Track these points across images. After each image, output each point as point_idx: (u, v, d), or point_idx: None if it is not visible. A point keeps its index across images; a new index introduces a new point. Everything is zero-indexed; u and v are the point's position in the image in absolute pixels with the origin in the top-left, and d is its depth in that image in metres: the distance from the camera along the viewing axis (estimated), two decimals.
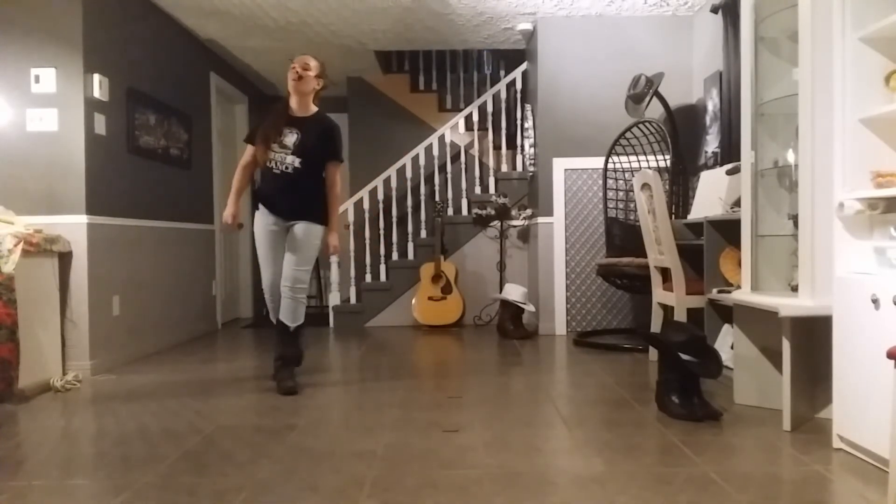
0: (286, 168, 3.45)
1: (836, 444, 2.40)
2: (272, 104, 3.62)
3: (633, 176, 4.66)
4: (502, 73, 6.94)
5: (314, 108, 3.60)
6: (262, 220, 3.53)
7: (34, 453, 2.49)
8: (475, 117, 6.12)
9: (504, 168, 6.39)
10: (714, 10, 4.59)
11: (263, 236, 3.53)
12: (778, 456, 2.34)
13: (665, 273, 3.96)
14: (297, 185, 3.47)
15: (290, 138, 3.46)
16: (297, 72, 3.48)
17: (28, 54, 3.85)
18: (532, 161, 5.59)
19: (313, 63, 3.53)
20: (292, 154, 3.45)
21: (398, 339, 5.29)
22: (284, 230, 3.53)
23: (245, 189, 3.68)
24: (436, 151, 6.26)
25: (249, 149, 3.60)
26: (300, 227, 3.49)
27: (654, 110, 4.97)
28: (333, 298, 6.08)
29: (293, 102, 3.54)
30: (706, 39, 5.01)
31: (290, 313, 3.50)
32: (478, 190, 6.15)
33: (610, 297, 5.36)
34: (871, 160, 2.32)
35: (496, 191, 6.08)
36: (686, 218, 4.51)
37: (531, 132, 5.59)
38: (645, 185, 3.82)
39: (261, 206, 3.55)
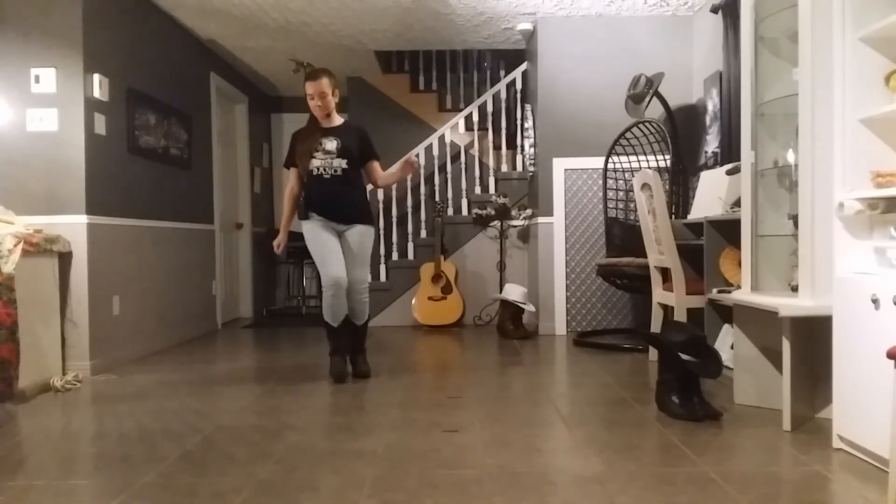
0: (336, 171, 3.63)
1: (836, 444, 2.40)
2: (304, 124, 3.82)
3: (633, 176, 4.66)
4: (502, 73, 6.94)
5: (341, 118, 3.80)
6: (315, 225, 3.66)
7: (34, 453, 2.49)
8: (475, 117, 6.12)
9: (504, 168, 6.39)
10: (714, 10, 4.59)
11: (319, 238, 3.64)
12: (778, 456, 2.34)
13: (665, 273, 3.96)
14: (347, 186, 3.66)
15: (332, 144, 3.65)
16: (318, 104, 3.64)
17: (28, 54, 3.85)
18: (532, 161, 5.59)
19: (326, 82, 3.64)
20: (338, 157, 3.64)
21: (398, 339, 5.29)
22: (335, 233, 3.69)
23: (294, 216, 3.82)
24: (436, 151, 6.26)
25: (293, 172, 3.78)
26: (356, 232, 3.69)
27: (654, 110, 4.97)
28: None
29: (321, 118, 3.72)
30: (706, 39, 5.01)
31: (359, 313, 3.76)
32: (478, 190, 6.15)
33: (610, 297, 5.36)
34: (871, 160, 2.32)
35: (496, 191, 6.08)
36: (686, 218, 4.51)
37: (531, 132, 5.59)
38: (645, 185, 3.82)
39: (312, 215, 3.67)
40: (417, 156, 6.12)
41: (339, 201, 3.65)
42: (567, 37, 5.32)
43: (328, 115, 3.70)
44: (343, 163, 3.64)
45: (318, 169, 3.62)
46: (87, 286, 3.90)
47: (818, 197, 2.52)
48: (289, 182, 3.82)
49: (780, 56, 2.94)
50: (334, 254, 3.62)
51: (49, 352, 3.65)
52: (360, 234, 3.70)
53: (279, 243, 3.80)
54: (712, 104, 4.76)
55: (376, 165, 3.85)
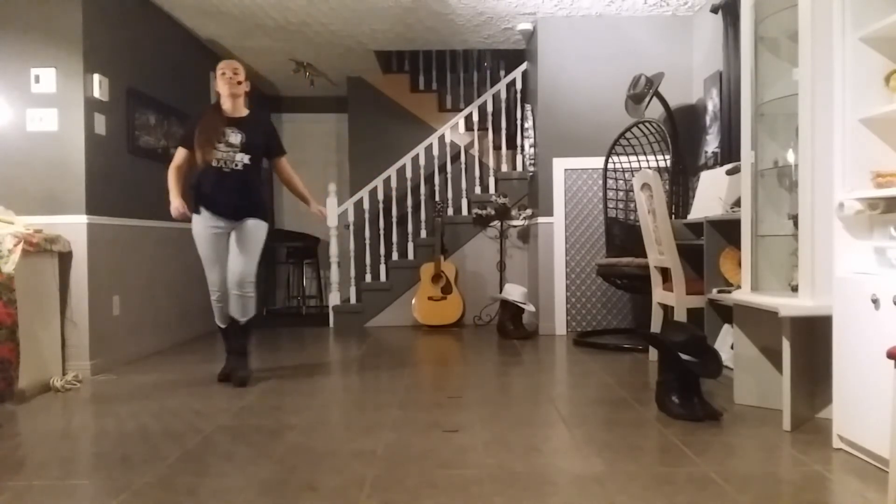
0: (237, 165, 3.51)
1: (836, 444, 2.40)
2: (204, 111, 3.69)
3: (633, 176, 4.66)
4: (502, 73, 6.94)
5: (246, 110, 3.65)
6: (205, 223, 3.54)
7: (34, 453, 2.49)
8: (475, 117, 6.12)
9: (504, 168, 6.39)
10: (714, 10, 4.59)
11: (208, 239, 3.54)
12: (778, 456, 2.34)
13: (665, 273, 3.96)
14: (247, 182, 3.55)
15: (236, 137, 3.52)
16: (231, 77, 3.54)
17: (28, 54, 3.85)
18: (532, 161, 5.59)
19: (240, 67, 3.60)
20: (241, 152, 3.51)
21: (398, 339, 5.29)
22: (227, 232, 3.57)
23: (182, 185, 3.62)
24: (436, 151, 6.26)
25: (181, 151, 3.60)
26: (250, 224, 3.57)
27: (654, 110, 4.97)
28: (333, 298, 6.09)
29: (227, 105, 3.58)
30: (706, 39, 5.01)
31: (241, 308, 3.60)
32: (478, 190, 6.15)
33: (610, 297, 5.36)
34: (871, 160, 2.32)
35: (496, 191, 6.08)
36: (686, 218, 4.51)
37: (531, 132, 5.59)
38: (645, 185, 3.82)
39: (202, 209, 3.53)
40: (417, 156, 6.13)
41: (235, 197, 3.52)
42: (567, 37, 5.32)
43: (236, 100, 3.56)
44: (246, 158, 3.52)
45: (218, 161, 3.47)
46: (87, 286, 3.90)
47: (818, 197, 2.52)
48: (175, 160, 3.59)
49: (780, 56, 2.94)
50: (219, 258, 3.55)
51: (49, 352, 3.65)
52: (252, 228, 3.58)
53: (177, 207, 3.52)
54: (712, 104, 4.76)
55: (284, 162, 3.77)
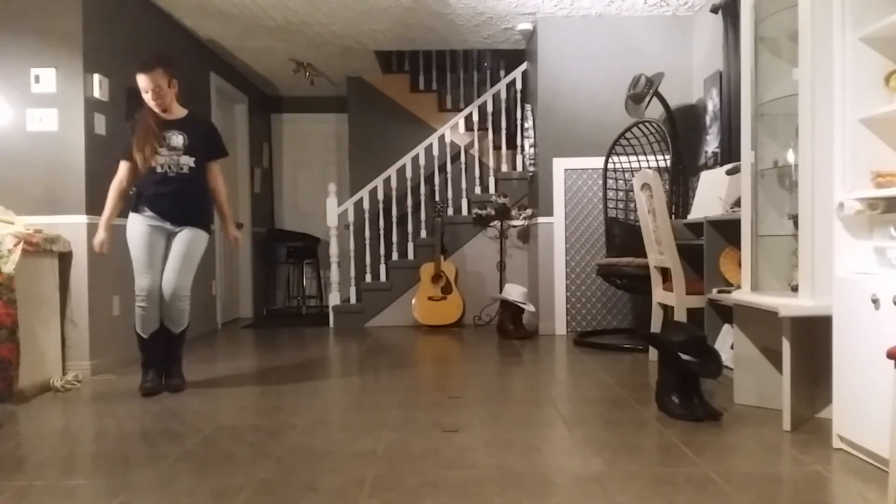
0: (181, 169, 3.38)
1: (836, 444, 2.40)
2: (136, 115, 3.47)
3: (633, 176, 4.66)
4: (502, 73, 6.94)
5: (184, 109, 3.51)
6: (141, 223, 3.38)
7: (34, 453, 2.49)
8: (475, 117, 6.12)
9: (504, 168, 6.39)
10: (714, 10, 4.59)
11: (142, 239, 3.37)
12: (778, 456, 2.34)
13: (665, 273, 3.96)
14: (191, 186, 3.42)
15: (178, 140, 3.38)
16: (154, 100, 3.33)
17: (28, 54, 3.85)
18: (532, 161, 5.59)
19: (160, 73, 3.31)
20: (185, 154, 3.38)
21: (398, 339, 5.29)
22: (165, 235, 3.42)
23: (117, 211, 3.45)
24: (436, 151, 6.26)
25: (124, 166, 3.41)
26: (188, 234, 3.43)
27: (654, 110, 4.97)
28: (333, 298, 6.09)
29: (159, 111, 3.41)
30: (706, 39, 5.01)
31: (177, 320, 3.47)
32: (478, 190, 6.15)
33: (610, 297, 5.36)
34: (871, 160, 2.32)
35: (496, 191, 6.08)
36: (686, 218, 4.51)
37: (531, 132, 5.59)
38: (645, 185, 3.82)
39: (142, 208, 3.38)
40: (417, 156, 6.13)
41: (180, 202, 3.38)
42: (567, 37, 5.32)
43: (166, 110, 3.40)
44: (191, 161, 3.38)
45: (162, 167, 3.34)
46: (87, 286, 3.90)
47: (818, 197, 2.52)
48: (118, 174, 3.42)
49: (780, 56, 2.94)
50: (153, 261, 3.37)
51: (49, 352, 3.65)
52: (191, 239, 3.43)
53: (102, 242, 3.37)
54: (712, 104, 4.76)
55: (215, 165, 3.54)
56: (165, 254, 3.44)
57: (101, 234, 3.38)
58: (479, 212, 5.92)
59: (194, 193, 3.45)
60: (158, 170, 3.36)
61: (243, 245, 3.54)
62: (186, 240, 3.43)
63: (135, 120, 3.46)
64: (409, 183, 6.22)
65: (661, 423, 2.77)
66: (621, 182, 5.13)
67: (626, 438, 2.56)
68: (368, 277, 6.10)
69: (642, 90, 4.70)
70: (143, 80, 3.31)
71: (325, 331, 5.85)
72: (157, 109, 3.38)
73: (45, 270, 3.67)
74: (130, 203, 3.44)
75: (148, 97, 3.34)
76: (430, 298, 5.81)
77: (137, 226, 3.39)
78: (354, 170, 6.86)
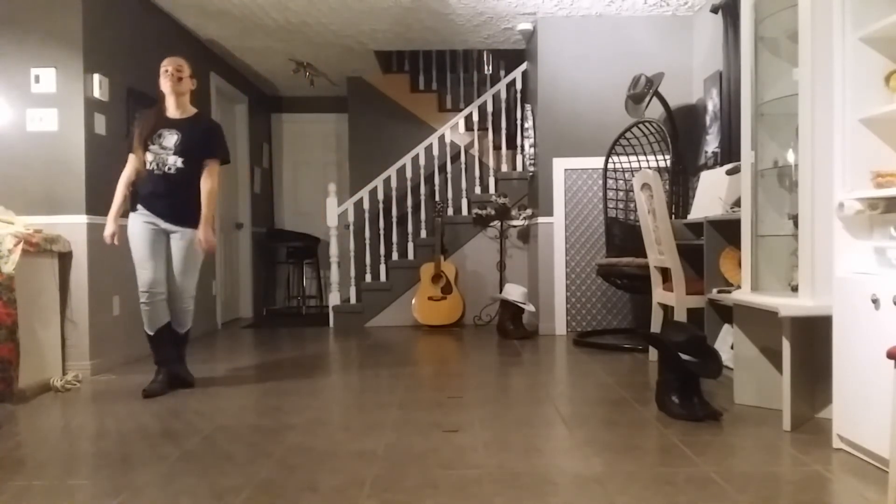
0: (168, 169, 3.37)
1: (836, 444, 2.40)
2: (149, 107, 3.52)
3: (633, 176, 4.66)
4: (502, 73, 6.94)
5: (193, 110, 3.53)
6: (140, 220, 3.41)
7: (34, 453, 2.49)
8: (475, 117, 6.12)
9: (504, 168, 6.39)
10: (714, 10, 4.59)
11: (141, 235, 3.38)
12: (778, 456, 2.34)
13: (665, 273, 3.96)
14: (179, 187, 3.39)
15: (171, 139, 3.39)
16: (173, 74, 3.41)
17: (28, 54, 3.85)
18: (532, 161, 5.59)
19: (184, 62, 3.48)
20: (174, 154, 3.37)
21: (398, 339, 5.29)
22: (163, 233, 3.44)
23: (124, 205, 3.48)
24: (436, 151, 6.26)
25: (131, 160, 3.45)
26: (184, 238, 3.43)
27: (654, 110, 4.97)
28: (333, 298, 6.09)
29: (170, 104, 3.45)
30: (706, 39, 5.01)
31: (182, 320, 3.54)
32: (478, 190, 6.15)
33: (610, 297, 5.36)
34: (871, 160, 2.32)
35: (496, 191, 6.08)
36: (686, 218, 4.51)
37: (531, 132, 5.59)
38: (645, 185, 3.82)
39: (139, 206, 3.42)
40: (417, 156, 6.13)
41: (167, 200, 3.38)
42: (567, 37, 5.32)
43: (179, 99, 3.43)
44: (178, 161, 3.37)
45: (150, 163, 3.36)
46: (87, 286, 3.90)
47: (818, 197, 2.52)
48: (126, 168, 3.47)
49: (780, 56, 2.94)
50: (153, 257, 3.38)
51: (49, 352, 3.65)
52: (190, 241, 3.43)
53: (112, 233, 3.40)
54: (712, 104, 4.76)
55: (212, 165, 3.47)
56: (167, 254, 3.45)
57: (110, 227, 3.42)
58: (479, 212, 5.92)
59: (185, 193, 3.42)
60: (148, 166, 3.38)
61: (215, 249, 3.51)
62: (185, 242, 3.44)
63: (141, 115, 3.52)
64: (409, 183, 6.22)
65: (661, 423, 2.77)
66: (621, 182, 5.13)
67: (626, 438, 2.56)
68: (368, 277, 6.10)
69: (642, 90, 4.70)
70: (166, 62, 3.42)
71: (325, 331, 5.85)
72: (170, 91, 3.41)
73: (45, 270, 3.67)
74: (130, 201, 3.46)
75: (166, 77, 3.40)
76: (430, 298, 5.81)
77: (135, 224, 3.42)
78: (354, 170, 6.86)
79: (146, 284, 3.38)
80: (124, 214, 3.49)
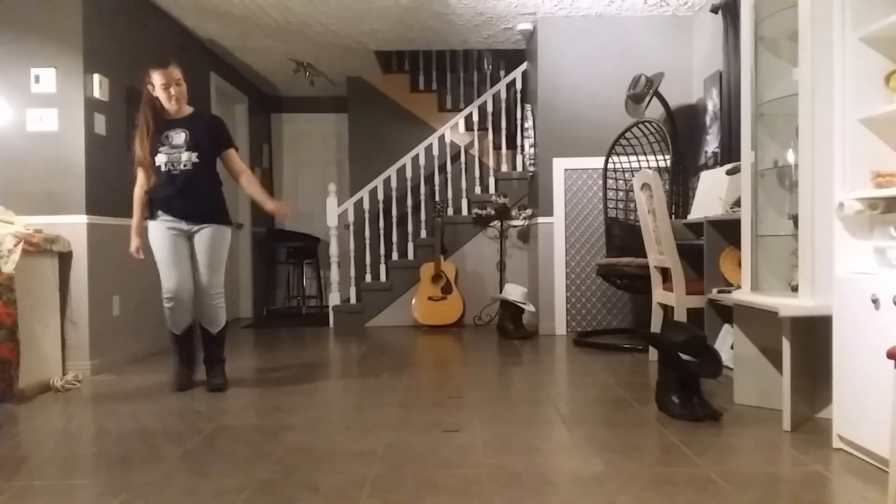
0: (184, 165, 3.36)
1: (836, 444, 2.40)
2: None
3: (633, 176, 4.66)
4: (502, 73, 6.94)
5: (190, 108, 3.51)
6: (161, 226, 3.39)
7: (34, 453, 2.49)
8: (475, 117, 6.12)
9: (504, 168, 6.39)
10: (714, 10, 4.59)
11: (164, 240, 3.38)
12: (778, 456, 2.34)
13: (665, 273, 3.96)
14: (197, 181, 3.39)
15: (179, 137, 3.38)
16: (174, 94, 3.35)
17: (28, 54, 3.85)
18: (532, 161, 5.59)
19: (177, 69, 3.38)
20: (187, 150, 3.37)
21: (398, 339, 5.29)
22: (186, 234, 3.42)
23: (143, 217, 3.49)
24: (436, 151, 6.26)
25: (141, 172, 3.43)
26: (209, 232, 3.42)
27: (654, 110, 4.97)
28: (333, 298, 6.08)
29: (170, 109, 3.41)
30: (706, 39, 5.01)
31: (213, 319, 3.53)
32: (478, 190, 6.15)
33: (610, 297, 5.36)
34: (871, 160, 2.32)
35: (496, 191, 6.08)
36: (686, 218, 4.51)
37: (531, 132, 5.59)
38: (645, 185, 3.82)
39: (159, 213, 3.40)
40: (417, 156, 6.13)
41: (189, 197, 3.37)
42: (567, 37, 5.32)
43: (179, 101, 3.39)
44: (193, 156, 3.36)
45: (165, 165, 3.34)
46: (87, 286, 3.90)
47: (818, 197, 2.52)
48: (137, 180, 3.47)
49: (780, 56, 2.94)
50: (176, 262, 3.37)
51: (49, 352, 3.65)
52: (213, 237, 3.43)
53: (138, 248, 3.46)
54: (712, 104, 4.76)
55: (233, 155, 3.51)
56: (191, 254, 3.45)
57: (134, 242, 3.47)
58: (479, 212, 5.92)
59: (203, 188, 3.42)
60: (162, 168, 3.36)
61: (288, 217, 3.56)
62: (208, 238, 3.43)
63: (138, 123, 3.44)
64: (409, 183, 6.21)
65: (661, 423, 2.77)
66: (621, 182, 5.13)
67: (626, 438, 2.56)
68: (368, 277, 6.10)
69: (642, 90, 4.70)
70: (163, 76, 3.32)
71: (325, 331, 5.85)
72: (174, 105, 3.38)
73: (45, 270, 3.67)
74: (148, 209, 3.45)
75: (168, 93, 3.34)
76: (430, 298, 5.81)
77: (157, 231, 3.40)
78: (354, 170, 6.86)
79: (171, 291, 3.39)
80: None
